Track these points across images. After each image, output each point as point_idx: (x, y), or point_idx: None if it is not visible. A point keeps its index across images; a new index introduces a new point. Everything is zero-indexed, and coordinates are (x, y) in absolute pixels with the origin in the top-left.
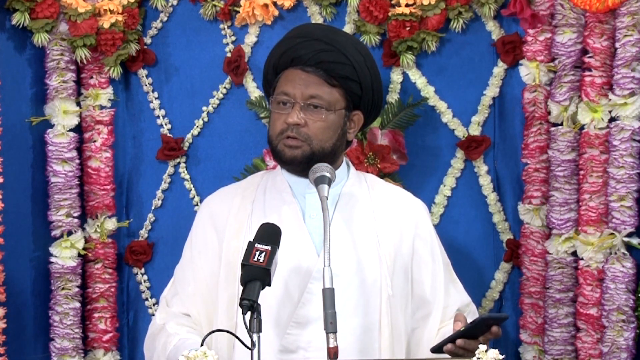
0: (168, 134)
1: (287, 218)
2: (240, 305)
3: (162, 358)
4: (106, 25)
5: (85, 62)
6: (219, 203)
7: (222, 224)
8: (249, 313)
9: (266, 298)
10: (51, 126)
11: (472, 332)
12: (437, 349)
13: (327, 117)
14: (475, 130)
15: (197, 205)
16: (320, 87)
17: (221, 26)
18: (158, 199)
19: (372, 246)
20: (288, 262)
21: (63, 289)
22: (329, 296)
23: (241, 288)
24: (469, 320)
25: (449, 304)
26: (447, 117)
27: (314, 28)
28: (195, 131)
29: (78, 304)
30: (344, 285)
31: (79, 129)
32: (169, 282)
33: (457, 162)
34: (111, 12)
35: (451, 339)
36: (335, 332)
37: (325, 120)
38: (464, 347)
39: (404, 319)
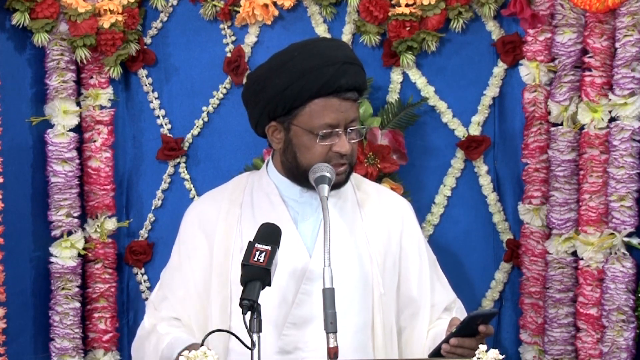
0: (168, 134)
1: (277, 220)
2: (241, 305)
3: (154, 358)
4: (106, 25)
5: (85, 62)
6: (207, 207)
7: (211, 228)
8: (249, 313)
9: (261, 300)
10: (51, 126)
11: (464, 331)
12: (435, 353)
13: (362, 133)
14: (475, 130)
15: None
16: (354, 108)
17: (221, 26)
18: (158, 199)
19: (362, 245)
20: (280, 264)
21: (63, 289)
22: (329, 296)
23: (234, 291)
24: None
25: (435, 302)
26: (447, 117)
27: (334, 50)
28: (195, 131)
29: (78, 304)
30: (338, 284)
31: (79, 129)
32: (156, 287)
33: (457, 162)
34: (111, 12)
35: (445, 341)
36: (335, 332)
37: (360, 137)
38: (460, 345)
39: (395, 317)
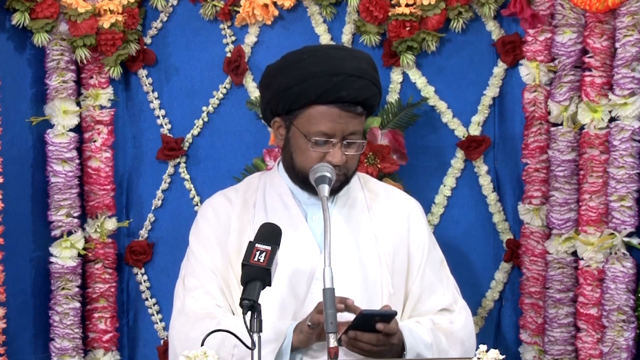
0: (168, 134)
1: (289, 220)
2: (241, 305)
3: (223, 326)
4: (106, 25)
5: (85, 62)
6: (222, 205)
7: (225, 226)
8: (249, 313)
9: (271, 299)
10: (51, 126)
11: (363, 327)
12: (339, 342)
13: (362, 147)
14: (475, 130)
15: (197, 205)
16: (356, 122)
17: (221, 26)
18: (158, 199)
19: (371, 245)
20: (292, 264)
21: (63, 289)
22: (329, 296)
23: None
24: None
25: (433, 304)
26: (447, 117)
27: (344, 60)
28: (195, 131)
29: (78, 304)
30: (346, 285)
31: (79, 129)
32: (179, 280)
33: (457, 162)
34: (111, 12)
35: (344, 332)
36: (335, 332)
37: (360, 151)
38: (359, 338)
39: (406, 316)
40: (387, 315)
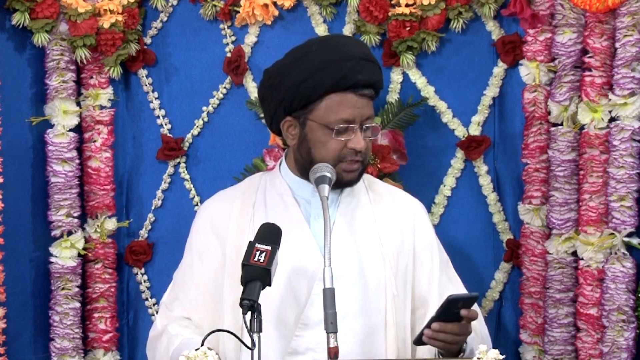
0: (168, 134)
1: (290, 220)
2: (241, 305)
3: (164, 358)
4: (106, 25)
5: (85, 62)
6: (219, 207)
7: (223, 228)
8: (249, 313)
9: (272, 300)
10: (51, 126)
11: (446, 316)
12: (418, 340)
13: (377, 131)
14: (475, 130)
15: (197, 205)
16: (369, 106)
17: (221, 26)
18: (158, 199)
19: (375, 247)
20: (293, 264)
21: (63, 289)
22: (329, 296)
23: None
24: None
25: None
26: (447, 117)
27: (351, 46)
28: (195, 131)
29: (78, 304)
30: (349, 286)
31: (79, 129)
32: (168, 288)
33: (457, 162)
34: (111, 12)
35: (427, 326)
36: (335, 332)
37: (376, 135)
38: (443, 330)
39: (409, 318)
40: (470, 298)
